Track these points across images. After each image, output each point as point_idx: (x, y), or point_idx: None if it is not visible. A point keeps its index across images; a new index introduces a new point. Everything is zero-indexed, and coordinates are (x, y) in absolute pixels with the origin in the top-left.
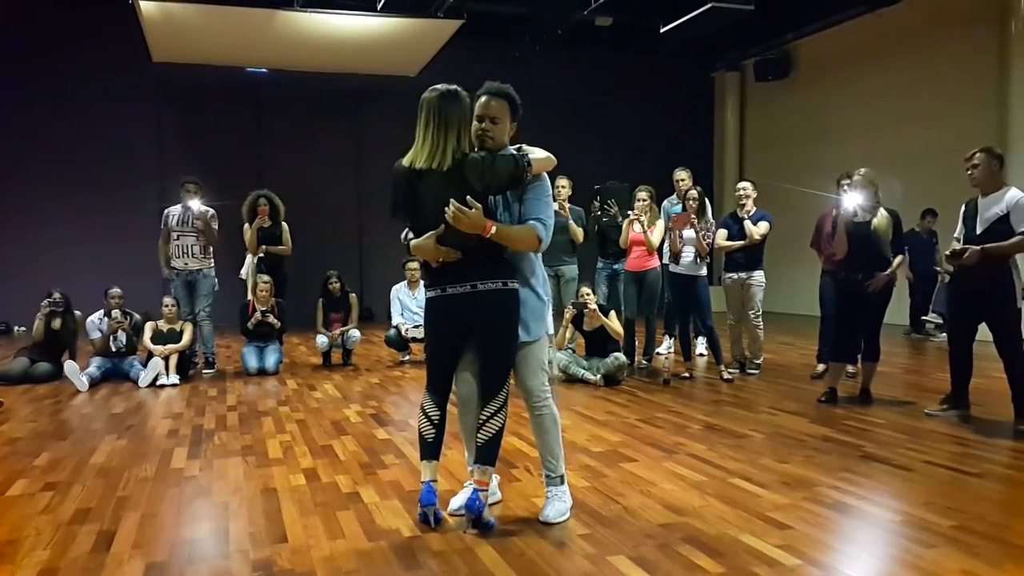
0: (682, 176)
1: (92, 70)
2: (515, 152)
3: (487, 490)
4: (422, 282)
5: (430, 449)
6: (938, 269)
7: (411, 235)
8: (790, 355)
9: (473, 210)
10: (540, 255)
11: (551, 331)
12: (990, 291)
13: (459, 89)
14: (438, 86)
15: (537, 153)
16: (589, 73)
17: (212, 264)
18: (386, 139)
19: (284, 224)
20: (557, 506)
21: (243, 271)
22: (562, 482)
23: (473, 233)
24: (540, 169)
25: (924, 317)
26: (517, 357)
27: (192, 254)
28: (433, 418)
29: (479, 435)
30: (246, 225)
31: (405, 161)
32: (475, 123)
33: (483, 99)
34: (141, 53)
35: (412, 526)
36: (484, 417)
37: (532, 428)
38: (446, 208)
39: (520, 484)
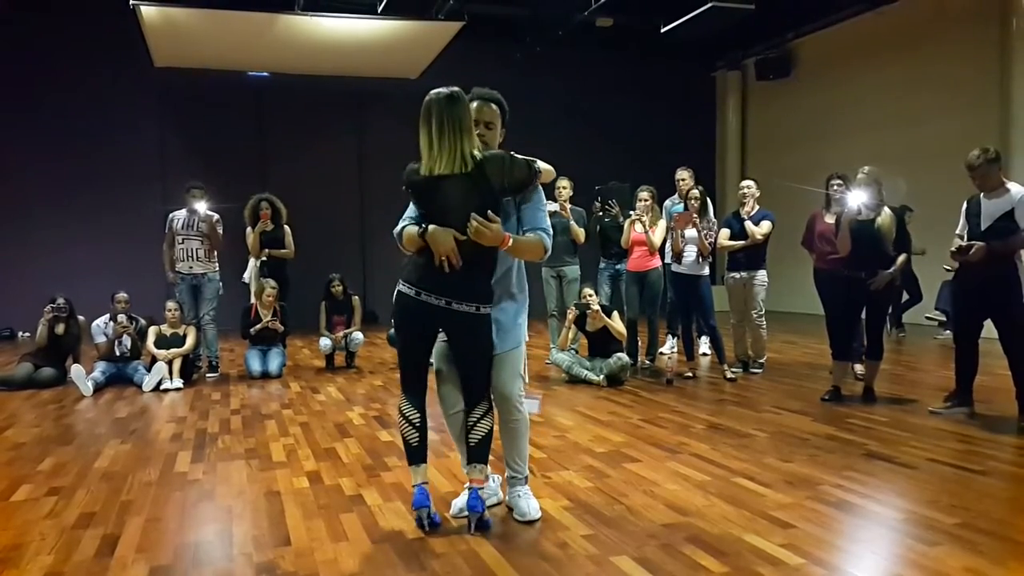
0: (683, 176)
1: (94, 75)
2: (527, 159)
3: (484, 487)
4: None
5: (417, 453)
6: (947, 268)
7: (413, 228)
8: (793, 354)
9: (495, 224)
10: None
11: (526, 339)
12: (996, 287)
13: (461, 90)
14: (441, 89)
15: (540, 164)
16: (590, 74)
17: (217, 268)
18: (388, 142)
19: (287, 227)
20: (532, 501)
21: (246, 275)
22: (527, 481)
23: (492, 244)
24: (544, 179)
25: (927, 315)
26: (494, 364)
27: (197, 258)
28: (414, 421)
29: (470, 437)
30: (248, 229)
31: (423, 170)
32: None
33: (476, 104)
34: (143, 58)
35: (415, 528)
36: (473, 420)
37: (501, 432)
38: (470, 220)
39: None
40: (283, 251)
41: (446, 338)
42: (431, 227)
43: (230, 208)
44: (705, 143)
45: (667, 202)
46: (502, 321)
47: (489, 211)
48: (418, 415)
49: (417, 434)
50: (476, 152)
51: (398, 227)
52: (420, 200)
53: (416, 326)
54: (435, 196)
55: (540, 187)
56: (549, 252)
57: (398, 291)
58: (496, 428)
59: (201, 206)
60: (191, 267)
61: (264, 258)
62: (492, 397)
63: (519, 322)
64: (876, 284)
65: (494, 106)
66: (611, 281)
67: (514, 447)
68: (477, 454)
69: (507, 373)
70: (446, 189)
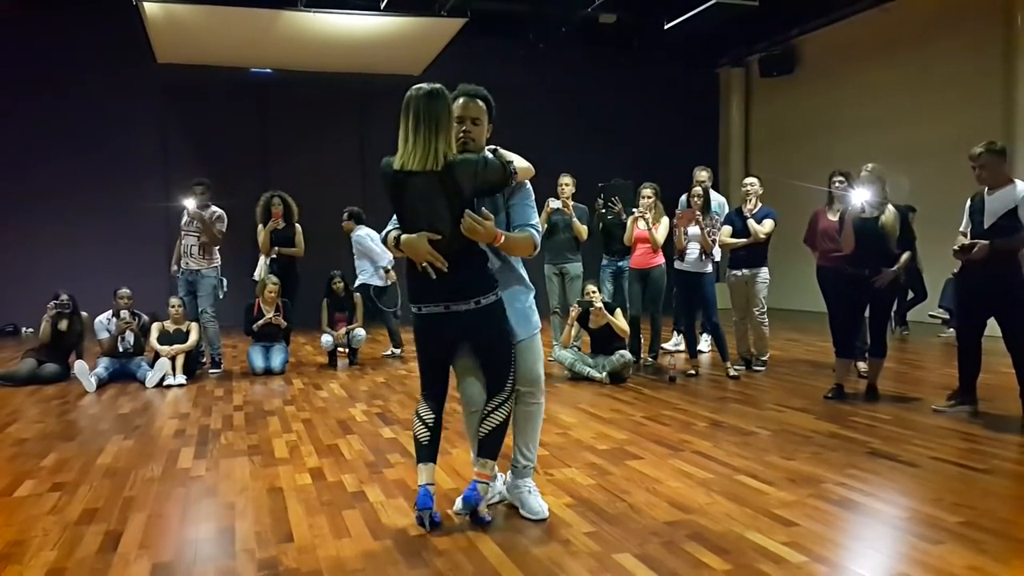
0: (702, 176)
1: (97, 72)
2: (503, 160)
3: (487, 483)
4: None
5: (425, 452)
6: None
7: (394, 233)
8: (796, 351)
9: (488, 221)
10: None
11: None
12: (999, 285)
13: (443, 88)
14: (422, 85)
15: (519, 162)
16: (593, 71)
17: (214, 264)
18: (390, 138)
19: (297, 226)
20: (539, 499)
21: (257, 272)
22: (533, 474)
23: (485, 242)
24: (522, 178)
25: (930, 313)
26: (519, 350)
27: (192, 255)
28: (428, 421)
29: (481, 427)
30: (260, 226)
31: (395, 164)
32: (455, 125)
33: (461, 101)
34: (146, 54)
35: (417, 525)
36: (488, 410)
37: (517, 417)
38: (464, 216)
39: None
40: (293, 249)
41: (463, 343)
42: (403, 237)
43: (232, 205)
44: (708, 140)
45: (683, 198)
46: (519, 308)
47: (483, 208)
48: (433, 416)
49: (428, 433)
50: (449, 153)
51: (383, 233)
52: (390, 193)
53: (431, 339)
54: (404, 191)
55: (527, 184)
56: (539, 248)
57: (412, 313)
58: (513, 414)
59: (191, 201)
60: (187, 263)
61: (274, 256)
62: (514, 384)
63: (533, 305)
64: (880, 282)
65: (480, 102)
66: (613, 278)
67: (528, 433)
68: (485, 447)
69: (532, 357)
70: (415, 185)
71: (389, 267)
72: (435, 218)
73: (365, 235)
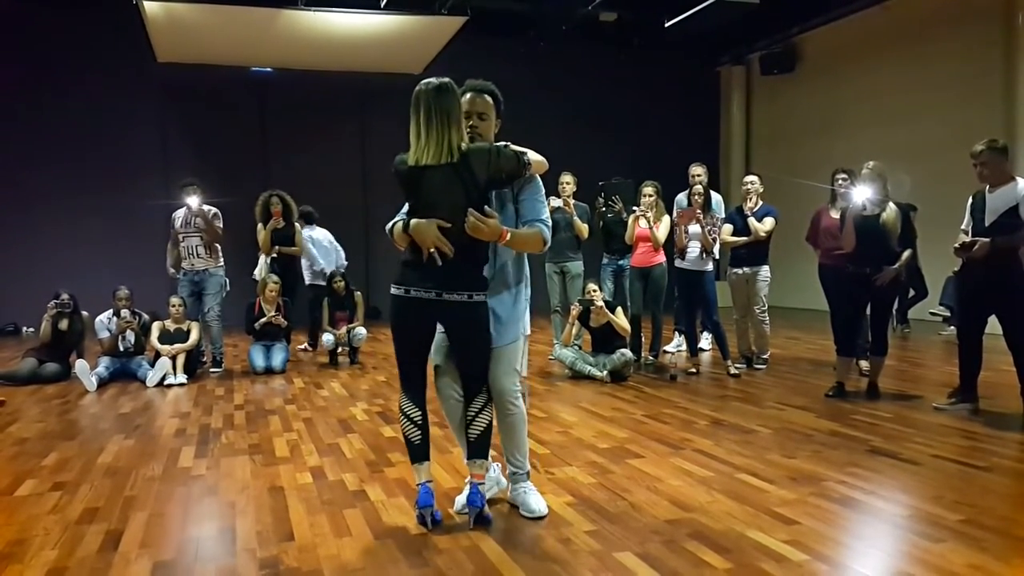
0: (698, 172)
1: (97, 71)
2: (516, 151)
3: (485, 483)
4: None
5: (419, 451)
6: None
7: (401, 223)
8: (797, 350)
9: (492, 219)
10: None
11: (527, 332)
12: (1000, 283)
13: (452, 82)
14: (431, 80)
15: (532, 155)
16: (593, 69)
17: (220, 263)
18: (391, 137)
19: (297, 225)
20: (538, 497)
21: (257, 271)
22: (528, 477)
23: (490, 240)
24: (535, 170)
25: (931, 310)
26: (491, 359)
27: (197, 254)
28: (416, 419)
29: (470, 431)
30: (259, 225)
31: (410, 160)
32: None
33: (468, 96)
34: (146, 53)
35: (418, 524)
36: (472, 413)
37: (499, 427)
38: (467, 215)
39: None
40: (293, 248)
41: (444, 331)
42: (413, 221)
43: (232, 204)
44: (709, 138)
45: (680, 196)
46: (501, 314)
47: (486, 207)
48: (419, 413)
49: (419, 432)
50: (463, 144)
51: (389, 224)
52: (406, 190)
53: (412, 324)
54: (420, 186)
55: (537, 178)
56: (548, 243)
57: (391, 295)
58: (495, 423)
59: (193, 200)
60: (192, 264)
61: (274, 255)
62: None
63: (518, 315)
64: (881, 280)
65: (487, 97)
66: (614, 277)
67: (513, 442)
68: (477, 449)
69: (503, 368)
70: (431, 179)
71: (338, 269)
72: (453, 210)
73: (307, 237)
